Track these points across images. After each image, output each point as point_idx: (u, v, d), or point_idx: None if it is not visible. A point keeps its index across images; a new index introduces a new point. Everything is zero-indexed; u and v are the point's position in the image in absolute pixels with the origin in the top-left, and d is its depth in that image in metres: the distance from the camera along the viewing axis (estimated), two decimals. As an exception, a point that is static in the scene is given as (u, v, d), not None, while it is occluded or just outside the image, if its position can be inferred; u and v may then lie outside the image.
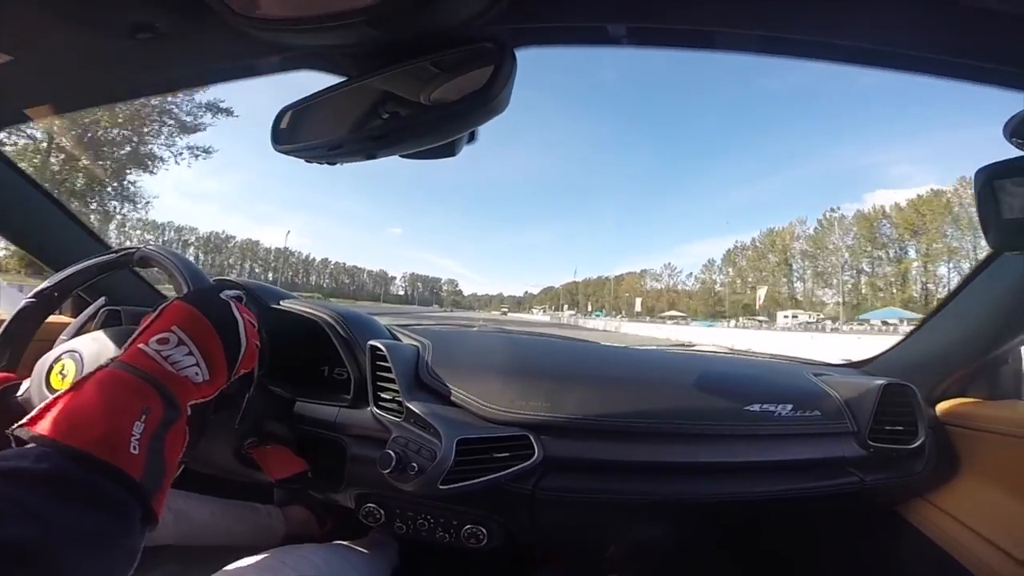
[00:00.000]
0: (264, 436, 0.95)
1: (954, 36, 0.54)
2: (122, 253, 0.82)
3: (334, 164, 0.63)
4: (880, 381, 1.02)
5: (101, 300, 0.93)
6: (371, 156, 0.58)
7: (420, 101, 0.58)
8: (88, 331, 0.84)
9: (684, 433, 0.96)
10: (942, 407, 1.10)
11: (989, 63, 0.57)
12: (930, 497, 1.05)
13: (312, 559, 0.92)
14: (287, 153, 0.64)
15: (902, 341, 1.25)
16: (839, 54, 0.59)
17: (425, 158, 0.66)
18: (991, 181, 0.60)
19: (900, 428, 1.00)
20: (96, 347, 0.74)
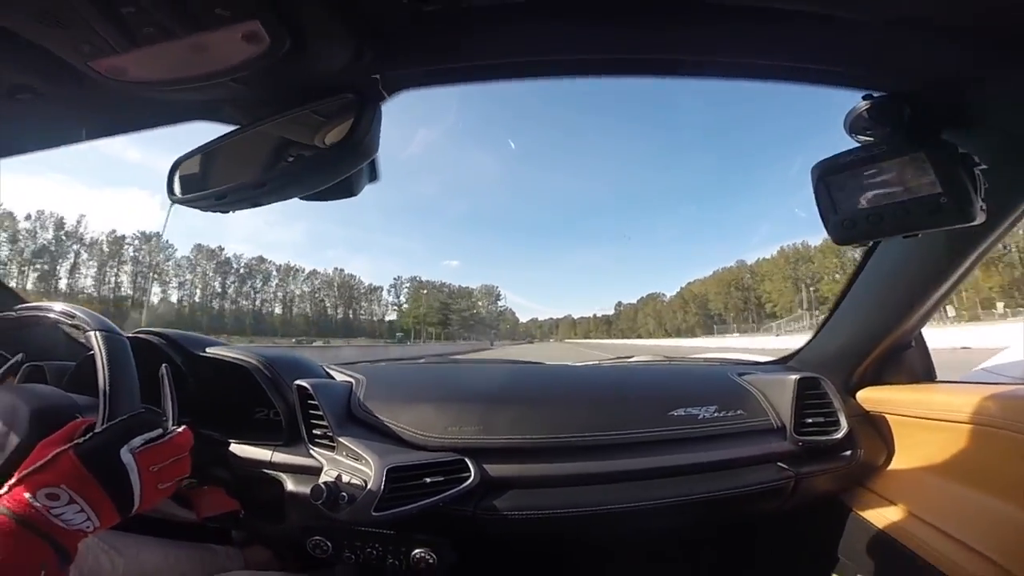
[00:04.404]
0: (202, 477, 0.95)
1: (797, 44, 0.57)
2: (61, 315, 0.79)
3: (226, 212, 0.65)
4: (794, 376, 1.06)
5: (20, 356, 0.92)
6: (256, 204, 0.60)
7: (299, 148, 0.61)
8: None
9: (613, 444, 0.98)
10: (863, 395, 1.14)
11: (830, 66, 0.60)
12: (868, 484, 1.08)
13: None
14: (181, 204, 0.66)
15: (814, 336, 1.29)
16: (701, 70, 0.63)
17: (324, 199, 0.69)
18: (824, 178, 0.61)
19: (821, 420, 1.04)
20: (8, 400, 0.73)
